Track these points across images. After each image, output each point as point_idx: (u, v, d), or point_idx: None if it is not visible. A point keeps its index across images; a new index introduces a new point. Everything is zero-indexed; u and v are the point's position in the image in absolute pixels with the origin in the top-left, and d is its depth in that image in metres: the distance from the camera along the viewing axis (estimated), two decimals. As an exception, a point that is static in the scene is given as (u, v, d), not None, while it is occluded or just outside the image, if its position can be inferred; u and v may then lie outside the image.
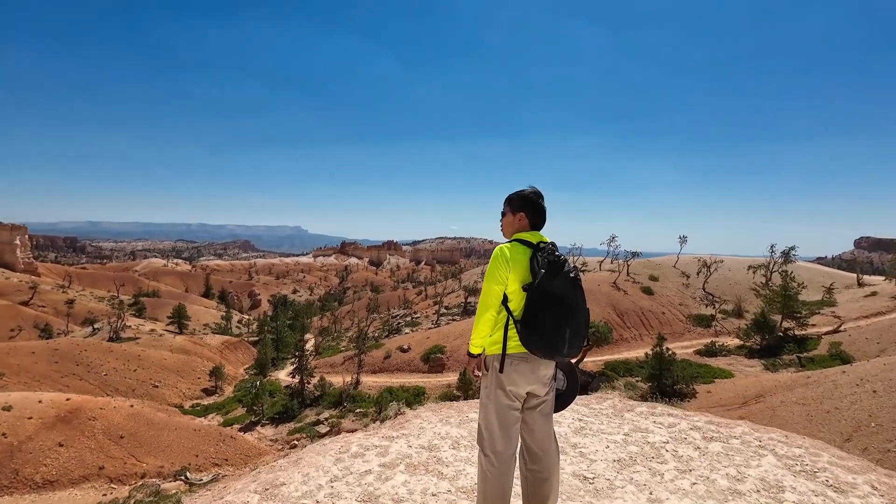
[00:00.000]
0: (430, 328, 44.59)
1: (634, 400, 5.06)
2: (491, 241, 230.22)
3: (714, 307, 35.53)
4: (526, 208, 2.52)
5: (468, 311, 48.73)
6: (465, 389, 26.17)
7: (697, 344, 30.78)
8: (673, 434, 3.78)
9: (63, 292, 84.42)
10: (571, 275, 2.28)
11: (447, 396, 26.79)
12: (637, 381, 26.71)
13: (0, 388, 27.64)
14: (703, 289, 39.00)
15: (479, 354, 2.53)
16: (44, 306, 76.86)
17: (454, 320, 45.74)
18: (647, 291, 37.87)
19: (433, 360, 33.23)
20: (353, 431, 4.00)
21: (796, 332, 28.83)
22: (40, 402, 20.59)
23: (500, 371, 2.38)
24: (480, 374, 2.56)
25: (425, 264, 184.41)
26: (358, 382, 32.78)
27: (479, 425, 2.51)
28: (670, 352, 24.73)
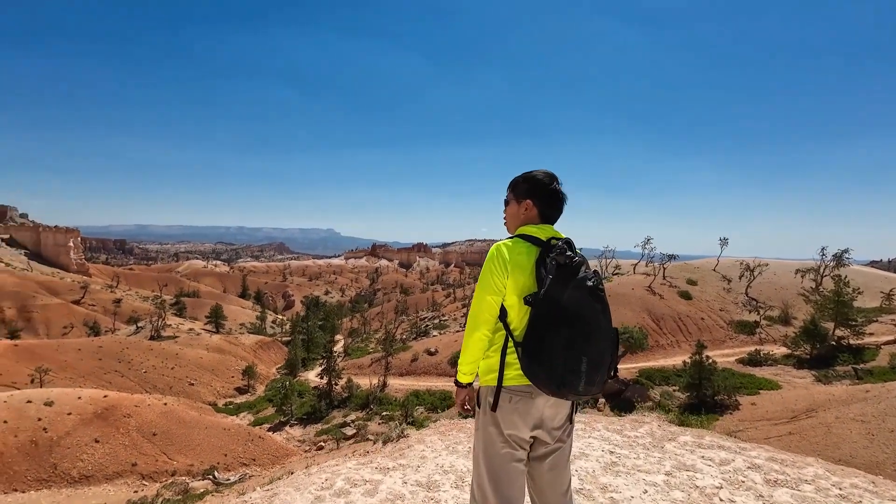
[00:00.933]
0: (458, 331, 44.02)
1: (676, 425, 4.37)
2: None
3: (758, 313, 33.39)
4: (535, 194, 1.93)
5: (497, 314, 47.82)
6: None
7: (740, 352, 28.95)
8: (727, 475, 3.11)
9: (111, 292, 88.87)
10: (590, 283, 1.69)
11: (474, 402, 26.15)
12: (674, 390, 25.34)
13: (47, 384, 28.96)
14: (746, 293, 36.79)
15: (471, 384, 1.99)
16: (94, 305, 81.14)
17: (482, 323, 44.95)
18: (685, 296, 36.03)
19: (460, 364, 32.66)
20: (354, 451, 3.51)
21: (851, 342, 26.64)
22: (79, 398, 21.32)
23: (494, 409, 1.82)
24: (471, 410, 1.99)
25: (455, 266, 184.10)
26: (385, 385, 32.60)
27: (471, 483, 1.96)
28: (710, 360, 23.29)
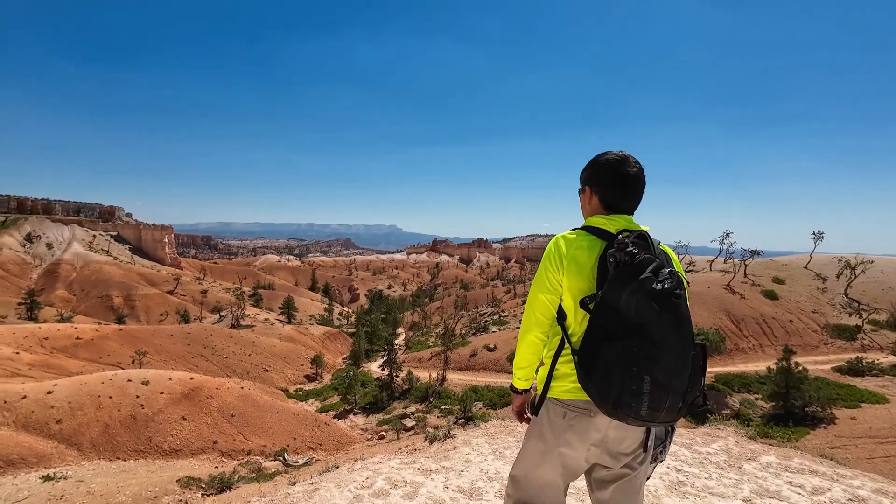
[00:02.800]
0: (517, 328, 43.35)
1: (758, 441, 3.86)
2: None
3: (860, 316, 29.57)
4: (597, 180, 1.67)
5: (558, 311, 46.55)
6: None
7: (837, 360, 25.87)
8: (820, 508, 2.65)
9: (199, 283, 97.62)
10: (660, 286, 1.37)
11: (534, 400, 25.66)
12: (756, 398, 23.22)
13: (144, 365, 32.36)
14: (846, 294, 32.72)
15: (527, 390, 1.80)
16: (184, 295, 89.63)
17: (543, 320, 44.01)
18: (770, 295, 32.78)
19: (520, 361, 32.17)
20: (398, 448, 3.45)
21: (983, 352, 22.87)
22: (170, 379, 23.57)
23: (535, 413, 1.65)
24: (529, 419, 1.79)
25: (515, 262, 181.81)
26: (444, 379, 32.89)
27: (506, 493, 1.78)
28: (800, 367, 21.04)
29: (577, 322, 1.55)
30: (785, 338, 28.65)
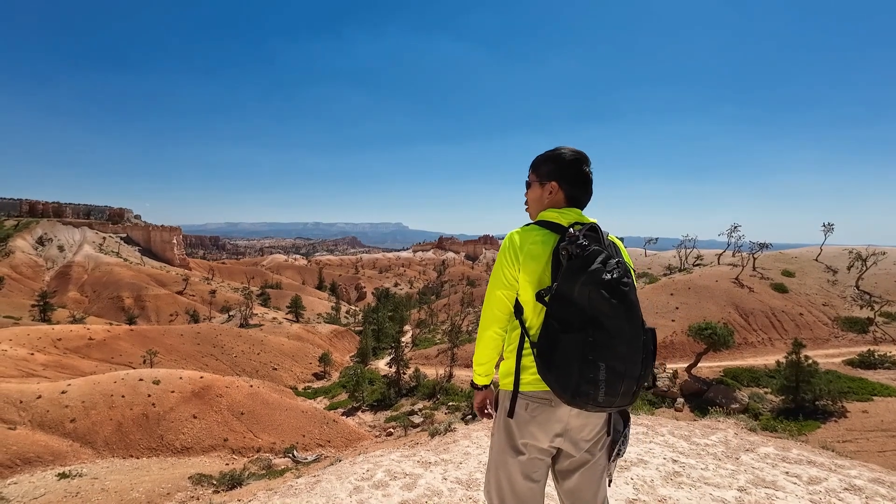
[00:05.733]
0: (524, 324, 43.35)
1: (758, 434, 3.87)
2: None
3: (872, 309, 29.20)
4: (560, 175, 1.70)
5: (565, 306, 46.46)
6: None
7: (848, 353, 25.58)
8: (816, 497, 2.66)
9: (207, 283, 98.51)
10: (610, 275, 1.42)
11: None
12: (766, 392, 23.07)
13: (155, 364, 32.80)
14: (857, 286, 32.30)
15: (488, 386, 1.83)
16: (193, 295, 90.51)
17: (550, 316, 43.98)
18: (780, 288, 32.46)
19: (527, 357, 32.19)
20: (402, 443, 3.51)
21: None
22: (181, 378, 23.88)
23: (511, 416, 1.65)
24: (491, 415, 1.82)
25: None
26: (451, 376, 32.99)
27: (485, 492, 1.80)
28: (810, 360, 20.85)
29: (535, 315, 1.58)
30: (795, 331, 28.39)
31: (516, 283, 1.61)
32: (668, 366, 25.91)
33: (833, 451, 3.84)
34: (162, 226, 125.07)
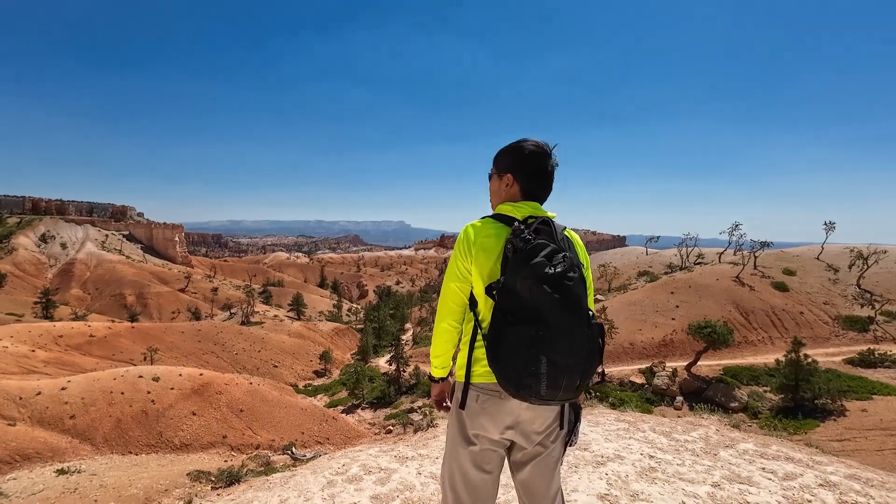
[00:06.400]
0: (524, 322, 43.40)
1: (740, 430, 3.85)
2: (594, 233, 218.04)
3: (873, 307, 29.10)
4: (517, 168, 1.69)
5: (565, 305, 46.47)
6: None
7: (849, 352, 25.51)
8: (790, 493, 2.65)
9: (209, 281, 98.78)
10: (553, 269, 1.41)
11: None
12: (765, 391, 23.03)
13: (156, 361, 32.94)
14: (858, 285, 32.18)
15: (445, 378, 1.85)
16: (195, 293, 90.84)
17: (550, 314, 44.01)
18: (781, 287, 32.37)
19: (526, 356, 32.21)
20: (380, 439, 3.51)
21: None
22: (180, 375, 23.97)
23: (462, 407, 1.67)
24: (448, 408, 1.84)
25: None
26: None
27: (440, 482, 1.83)
28: (809, 359, 20.81)
29: (487, 308, 1.58)
30: (795, 330, 28.31)
31: (469, 275, 1.61)
32: (667, 364, 25.88)
33: (816, 447, 3.83)
34: (164, 223, 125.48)
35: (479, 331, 1.61)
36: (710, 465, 3.04)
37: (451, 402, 1.81)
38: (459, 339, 1.73)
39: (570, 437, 1.71)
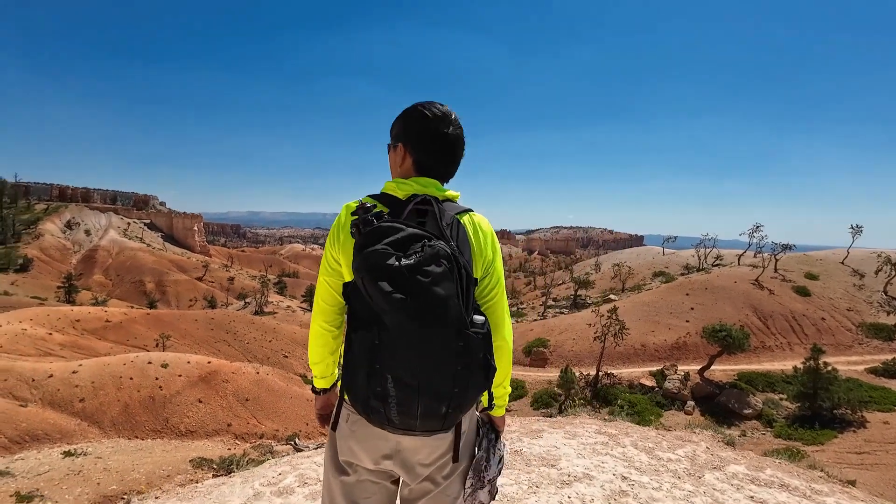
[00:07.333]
0: (535, 320, 42.85)
1: (734, 449, 3.49)
2: (611, 231, 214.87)
3: (901, 315, 27.92)
4: (408, 136, 1.34)
5: (577, 304, 45.77)
6: (567, 389, 24.39)
7: (872, 361, 24.48)
8: (777, 528, 2.31)
9: (226, 270, 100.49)
10: (397, 261, 1.04)
11: (547, 394, 25.32)
12: (782, 398, 22.24)
13: (168, 348, 33.48)
14: (885, 292, 30.83)
15: (328, 390, 1.48)
16: (212, 282, 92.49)
17: (561, 313, 43.34)
18: (802, 292, 31.21)
19: (535, 354, 31.74)
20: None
21: None
22: (188, 362, 24.26)
23: (333, 427, 1.34)
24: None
25: (538, 254, 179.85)
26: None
27: None
28: (830, 367, 19.99)
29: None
30: (816, 336, 27.29)
31: (340, 267, 1.28)
32: (679, 367, 25.20)
33: (820, 470, 3.44)
34: (184, 213, 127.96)
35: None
36: (691, 491, 2.69)
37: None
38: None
39: (484, 473, 1.36)
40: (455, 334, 1.06)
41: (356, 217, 1.15)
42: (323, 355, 1.38)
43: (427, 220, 1.22)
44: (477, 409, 1.43)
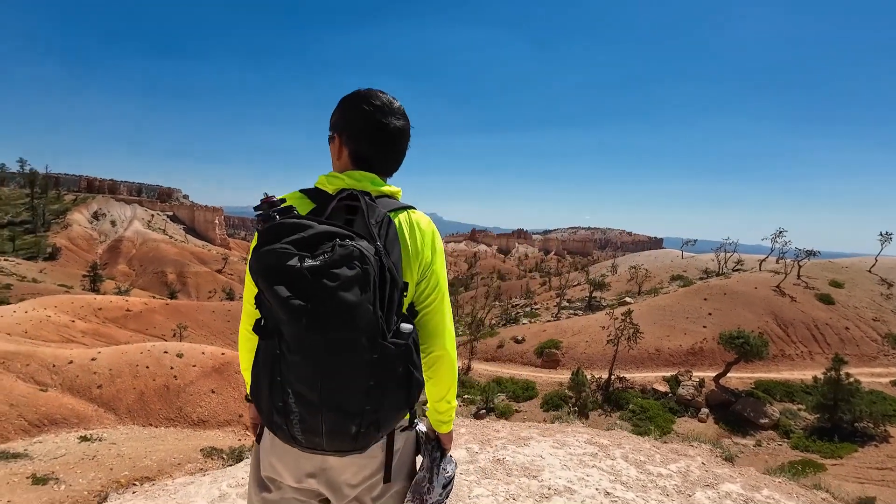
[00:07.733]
0: (548, 321, 42.46)
1: (732, 465, 3.32)
2: (630, 233, 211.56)
3: (932, 327, 26.78)
4: (348, 127, 1.23)
5: (591, 305, 45.19)
6: (579, 391, 24.10)
7: (898, 373, 23.58)
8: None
9: (245, 263, 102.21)
10: (299, 262, 0.92)
11: (558, 396, 25.06)
12: (800, 409, 21.59)
13: (185, 338, 34.22)
14: (916, 301, 29.67)
15: None
16: (231, 274, 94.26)
17: (575, 315, 42.85)
18: (825, 300, 30.18)
19: (547, 355, 31.44)
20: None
21: None
22: (203, 353, 24.71)
23: (258, 440, 1.27)
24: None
25: (555, 254, 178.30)
26: (469, 368, 32.72)
27: None
28: (852, 378, 19.30)
29: None
30: (839, 346, 26.37)
31: None
32: (694, 373, 24.64)
33: (826, 491, 3.25)
34: (205, 206, 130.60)
35: None
36: (679, 510, 2.55)
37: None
38: None
39: (423, 499, 1.26)
40: (367, 345, 0.95)
41: (258, 213, 1.04)
42: (251, 361, 1.30)
43: (357, 218, 1.11)
44: (416, 423, 1.33)
